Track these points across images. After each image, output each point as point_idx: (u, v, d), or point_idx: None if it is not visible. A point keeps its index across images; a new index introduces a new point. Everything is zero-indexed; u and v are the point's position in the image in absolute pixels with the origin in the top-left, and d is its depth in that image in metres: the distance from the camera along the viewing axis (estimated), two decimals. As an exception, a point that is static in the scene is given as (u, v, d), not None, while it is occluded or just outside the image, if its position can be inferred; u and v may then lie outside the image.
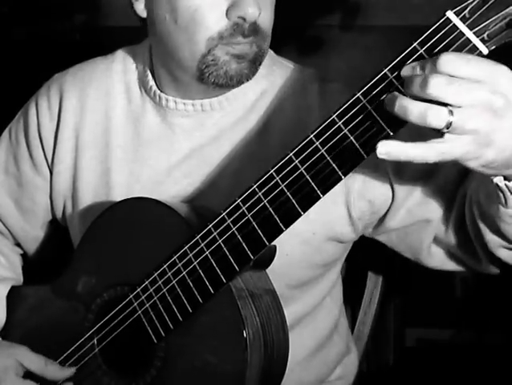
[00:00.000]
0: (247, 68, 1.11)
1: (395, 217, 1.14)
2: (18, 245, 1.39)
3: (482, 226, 1.01)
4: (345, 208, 1.15)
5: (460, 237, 1.10)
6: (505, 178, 0.88)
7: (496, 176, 0.88)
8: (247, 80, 1.12)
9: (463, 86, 0.77)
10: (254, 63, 1.12)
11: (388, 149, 0.81)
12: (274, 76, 1.21)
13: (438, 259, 1.16)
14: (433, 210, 1.11)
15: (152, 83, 1.22)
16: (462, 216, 1.07)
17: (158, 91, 1.21)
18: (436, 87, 0.77)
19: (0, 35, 2.61)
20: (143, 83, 1.24)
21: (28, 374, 1.16)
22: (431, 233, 1.13)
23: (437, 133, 0.80)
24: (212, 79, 1.11)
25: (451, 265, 1.16)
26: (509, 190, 0.89)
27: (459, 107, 0.78)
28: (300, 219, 0.94)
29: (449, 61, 0.78)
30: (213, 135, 1.18)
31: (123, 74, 1.26)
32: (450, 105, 0.78)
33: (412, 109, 0.78)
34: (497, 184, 0.89)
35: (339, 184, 0.91)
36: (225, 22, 1.07)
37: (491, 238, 1.01)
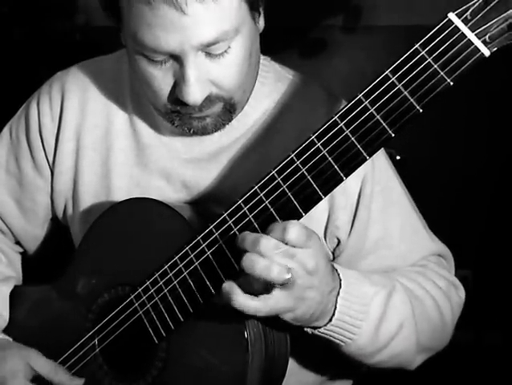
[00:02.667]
0: (212, 124, 1.09)
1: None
2: (18, 243, 1.39)
3: None
4: (322, 231, 1.18)
5: None
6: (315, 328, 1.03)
7: (304, 327, 1.03)
8: (216, 131, 1.11)
9: (289, 250, 0.92)
10: (224, 117, 1.10)
11: (228, 290, 0.92)
12: (276, 93, 1.19)
13: None
14: None
15: (143, 101, 1.21)
16: None
17: (152, 109, 1.18)
18: (265, 246, 0.91)
19: (0, 35, 2.61)
20: (139, 96, 1.23)
21: (36, 378, 1.16)
22: None
23: (265, 290, 0.93)
24: (179, 130, 1.12)
25: None
26: (321, 334, 1.04)
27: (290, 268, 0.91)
28: None
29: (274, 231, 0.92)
30: (212, 152, 1.18)
31: (125, 76, 1.25)
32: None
33: (258, 263, 0.90)
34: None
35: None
36: (174, 99, 1.06)
37: None
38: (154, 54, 1.02)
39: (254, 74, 1.13)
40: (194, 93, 1.02)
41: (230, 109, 1.09)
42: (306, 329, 1.03)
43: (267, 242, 0.91)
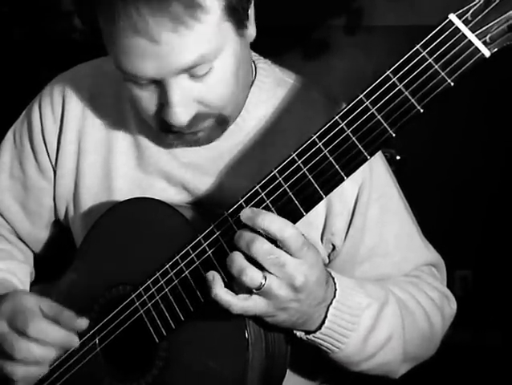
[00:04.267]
0: (204, 137, 1.10)
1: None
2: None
3: None
4: (318, 236, 1.17)
5: None
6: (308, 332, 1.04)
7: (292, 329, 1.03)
8: (210, 142, 1.12)
9: (280, 259, 0.91)
10: (215, 130, 1.10)
11: (211, 279, 0.95)
12: (276, 99, 1.19)
13: None
14: None
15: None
16: None
17: None
18: (258, 250, 0.91)
19: (0, 35, 2.61)
20: None
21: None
22: None
23: (247, 292, 0.94)
24: (175, 144, 1.12)
25: None
26: (307, 341, 1.04)
27: (272, 274, 0.92)
28: None
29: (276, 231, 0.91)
30: (211, 157, 1.18)
31: None
32: (266, 271, 0.92)
33: (236, 264, 0.92)
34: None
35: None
36: (162, 119, 1.06)
37: None
38: (137, 78, 1.02)
39: (246, 85, 1.13)
40: (179, 114, 1.02)
41: (222, 122, 1.09)
42: (294, 332, 1.04)
43: (261, 245, 0.91)
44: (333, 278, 1.02)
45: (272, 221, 0.91)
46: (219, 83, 1.03)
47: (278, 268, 0.92)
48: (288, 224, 0.92)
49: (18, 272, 1.27)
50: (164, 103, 1.03)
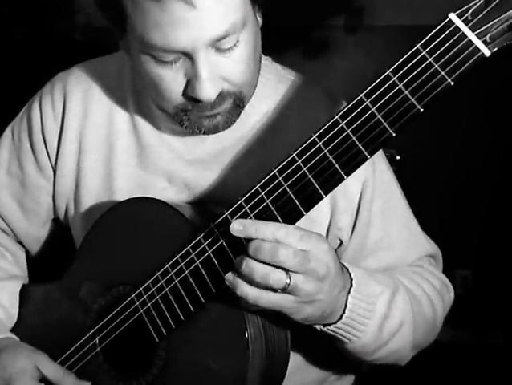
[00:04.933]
0: (222, 121, 1.09)
1: None
2: (20, 244, 1.39)
3: None
4: (324, 230, 1.18)
5: None
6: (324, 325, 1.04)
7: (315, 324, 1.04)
8: (227, 128, 1.11)
9: (303, 258, 0.92)
10: (233, 113, 1.10)
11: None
12: (278, 95, 1.19)
13: None
14: None
15: (149, 99, 1.20)
16: None
17: (154, 110, 1.19)
18: (285, 257, 0.91)
19: (0, 35, 2.61)
20: (141, 97, 1.23)
21: (42, 380, 1.15)
22: None
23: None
24: (188, 131, 1.11)
25: None
26: (329, 332, 1.05)
27: (295, 272, 0.92)
28: None
29: (289, 236, 0.92)
30: (214, 152, 1.18)
31: (127, 76, 1.25)
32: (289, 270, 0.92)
33: (257, 271, 0.91)
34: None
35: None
36: (187, 97, 1.05)
37: None
38: (164, 54, 1.01)
39: (258, 70, 1.13)
40: (208, 89, 1.02)
41: (240, 104, 1.09)
42: (314, 326, 1.04)
43: (287, 252, 0.91)
44: (347, 269, 1.03)
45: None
46: (242, 60, 1.04)
47: (301, 266, 0.92)
48: (279, 225, 0.93)
49: (2, 296, 1.25)
50: (191, 79, 1.03)
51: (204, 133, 1.10)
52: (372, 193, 1.17)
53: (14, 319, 1.24)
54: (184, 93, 1.04)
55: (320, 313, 0.99)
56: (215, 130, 1.10)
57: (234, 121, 1.10)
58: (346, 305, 1.02)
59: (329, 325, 1.03)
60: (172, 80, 1.04)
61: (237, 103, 1.08)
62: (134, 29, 1.01)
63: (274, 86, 1.20)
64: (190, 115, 1.07)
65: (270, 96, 1.19)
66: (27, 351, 1.16)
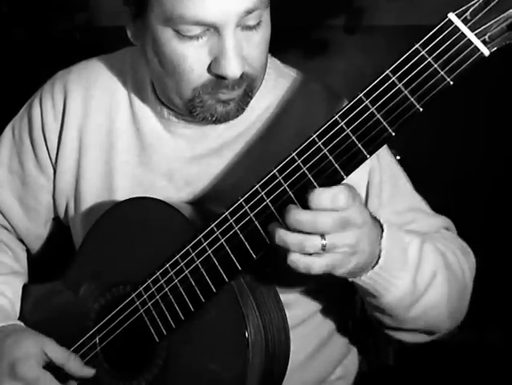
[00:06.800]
0: (234, 110, 1.10)
1: None
2: (22, 241, 1.39)
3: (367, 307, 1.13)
4: None
5: None
6: None
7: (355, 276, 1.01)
8: (236, 118, 1.12)
9: (339, 219, 0.89)
10: (244, 101, 1.11)
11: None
12: (279, 89, 1.20)
13: None
14: None
15: (152, 95, 1.21)
16: None
17: (159, 104, 1.20)
18: (324, 224, 0.88)
19: (0, 35, 2.61)
20: (145, 90, 1.23)
21: (47, 365, 1.14)
22: None
23: None
24: (199, 118, 1.11)
25: None
26: (368, 281, 1.02)
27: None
28: None
29: (320, 198, 0.89)
30: (215, 148, 1.18)
31: (128, 75, 1.26)
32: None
33: (291, 240, 0.89)
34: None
35: None
36: (209, 76, 1.06)
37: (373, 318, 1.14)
38: (191, 28, 1.02)
39: (267, 61, 1.14)
40: (235, 66, 1.03)
41: (249, 93, 1.10)
42: (351, 279, 1.02)
43: (327, 220, 0.89)
44: (374, 216, 1.01)
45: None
46: (261, 42, 1.07)
47: (333, 225, 0.90)
48: (336, 197, 0.89)
49: (6, 288, 1.25)
50: (217, 55, 1.03)
51: (215, 121, 1.10)
52: (380, 179, 1.18)
53: (17, 315, 1.24)
54: (207, 72, 1.05)
55: (364, 260, 0.97)
56: (226, 117, 1.10)
57: (244, 110, 1.11)
58: (380, 250, 1.00)
59: (366, 274, 1.01)
60: (195, 57, 1.04)
61: (248, 91, 1.09)
62: (162, 3, 1.02)
63: (274, 80, 1.20)
64: (206, 100, 1.08)
65: (272, 91, 1.19)
66: (33, 336, 1.15)
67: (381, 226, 1.01)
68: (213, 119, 1.10)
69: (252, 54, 1.06)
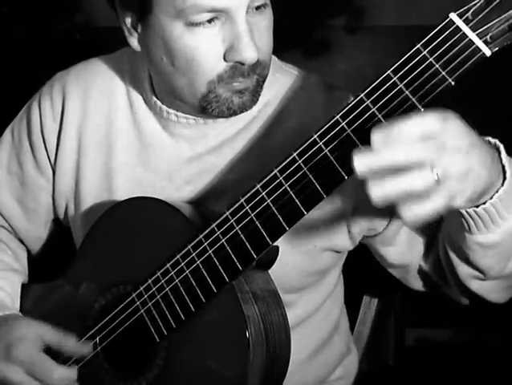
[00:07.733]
0: (249, 100, 1.10)
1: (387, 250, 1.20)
2: (22, 242, 1.39)
3: (453, 256, 1.07)
4: (345, 224, 1.16)
5: (436, 267, 1.17)
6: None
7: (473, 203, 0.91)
8: (250, 108, 1.12)
9: (434, 144, 0.81)
10: (257, 91, 1.11)
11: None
12: (278, 84, 1.20)
13: (420, 284, 1.24)
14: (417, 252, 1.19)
15: (151, 96, 1.20)
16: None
17: (159, 104, 1.19)
18: (420, 152, 0.79)
19: (0, 35, 2.61)
20: (144, 91, 1.22)
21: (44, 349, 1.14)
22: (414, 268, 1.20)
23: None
24: (215, 114, 1.10)
25: (429, 289, 1.24)
26: (471, 217, 0.94)
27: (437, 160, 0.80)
28: (303, 232, 0.94)
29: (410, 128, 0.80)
30: (215, 146, 1.18)
31: (126, 75, 1.25)
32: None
33: (399, 184, 0.79)
34: (460, 212, 0.94)
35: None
36: (224, 66, 1.06)
37: (462, 268, 1.06)
38: (204, 14, 1.02)
39: (270, 59, 1.14)
40: (252, 48, 1.03)
41: (260, 82, 1.10)
42: (463, 210, 0.94)
43: (419, 147, 0.80)
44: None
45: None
46: (268, 26, 1.08)
47: (437, 153, 0.81)
48: (423, 121, 0.82)
49: (5, 284, 1.25)
50: (232, 41, 1.03)
51: (232, 114, 1.10)
52: None
53: (17, 310, 1.24)
54: (222, 61, 1.05)
55: (482, 186, 0.87)
56: (243, 108, 1.10)
57: (257, 101, 1.11)
58: (505, 172, 0.91)
59: (484, 203, 0.92)
60: (209, 48, 1.04)
61: (260, 80, 1.09)
62: None
63: (272, 75, 1.20)
64: (221, 94, 1.07)
65: (270, 86, 1.18)
66: (29, 320, 1.16)
67: (497, 149, 0.93)
68: (230, 112, 1.09)
69: (261, 40, 1.06)
